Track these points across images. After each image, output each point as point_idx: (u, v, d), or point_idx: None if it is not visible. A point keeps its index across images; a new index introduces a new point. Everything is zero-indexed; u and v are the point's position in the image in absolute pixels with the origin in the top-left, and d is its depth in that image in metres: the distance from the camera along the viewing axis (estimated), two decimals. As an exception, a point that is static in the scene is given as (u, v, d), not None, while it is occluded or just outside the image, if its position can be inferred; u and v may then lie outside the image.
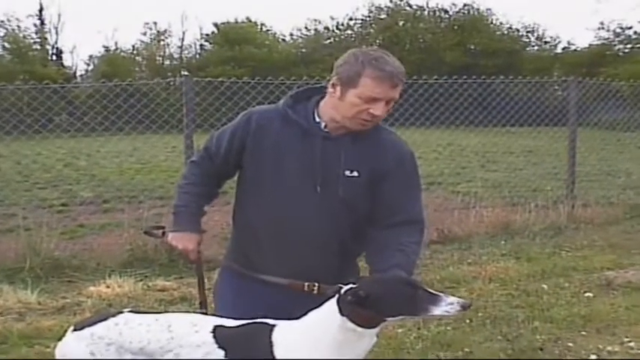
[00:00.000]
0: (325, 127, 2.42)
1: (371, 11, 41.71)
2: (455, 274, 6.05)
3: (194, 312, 2.65)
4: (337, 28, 42.21)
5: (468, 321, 4.70)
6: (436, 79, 9.51)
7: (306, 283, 2.38)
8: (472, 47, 39.05)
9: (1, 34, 35.05)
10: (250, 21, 40.85)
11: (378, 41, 39.12)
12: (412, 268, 2.33)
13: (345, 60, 2.34)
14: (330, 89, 2.39)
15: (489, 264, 6.37)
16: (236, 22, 40.13)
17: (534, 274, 6.04)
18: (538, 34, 41.46)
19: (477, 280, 5.82)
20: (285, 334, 2.14)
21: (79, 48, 74.71)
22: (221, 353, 2.13)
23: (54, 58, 37.93)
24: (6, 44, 34.75)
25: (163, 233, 2.68)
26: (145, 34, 42.41)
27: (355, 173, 2.39)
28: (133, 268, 6.18)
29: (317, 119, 2.43)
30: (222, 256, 2.82)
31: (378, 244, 2.39)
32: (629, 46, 36.36)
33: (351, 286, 2.10)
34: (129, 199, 9.81)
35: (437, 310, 2.02)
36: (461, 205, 8.84)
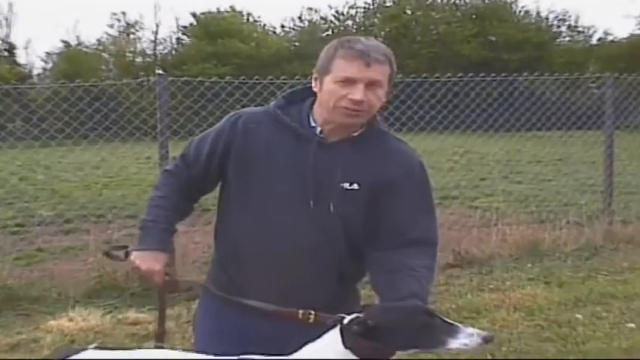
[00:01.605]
0: (321, 132, 2.46)
1: (375, -2, 41.94)
2: (474, 302, 6.07)
3: (171, 348, 2.67)
4: (336, 19, 42.41)
5: (489, 356, 4.71)
6: (449, 77, 9.55)
7: (301, 311, 2.37)
8: (493, 39, 39.20)
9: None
10: (234, 10, 41.03)
11: (383, 33, 39.30)
12: (427, 297, 2.34)
13: (323, 51, 2.44)
14: (313, 84, 2.47)
15: (514, 290, 6.40)
16: (218, 12, 40.30)
17: (567, 302, 6.06)
18: (570, 24, 41.71)
19: (499, 309, 5.84)
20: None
21: (35, 43, 74.71)
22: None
23: (5, 54, 37.97)
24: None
25: (127, 254, 2.69)
26: (111, 26, 42.42)
27: (355, 186, 2.42)
28: (100, 299, 6.19)
29: (312, 123, 2.48)
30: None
31: (384, 268, 2.40)
32: (674, 36, 36.49)
33: (356, 315, 2.12)
34: (95, 219, 9.82)
35: (454, 343, 2.03)
36: (480, 222, 8.86)
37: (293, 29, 43.26)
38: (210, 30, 37.93)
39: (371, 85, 2.35)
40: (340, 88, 2.34)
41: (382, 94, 2.41)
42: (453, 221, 9.16)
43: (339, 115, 2.38)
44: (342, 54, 2.35)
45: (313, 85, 2.46)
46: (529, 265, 7.45)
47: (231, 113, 2.60)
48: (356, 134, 2.47)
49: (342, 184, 2.41)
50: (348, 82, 2.34)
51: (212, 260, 2.77)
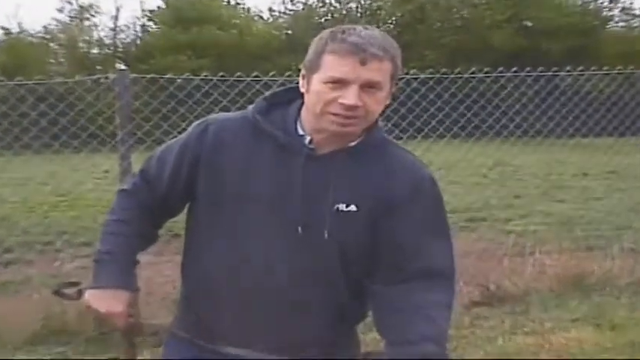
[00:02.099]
0: (310, 142, 2.46)
1: (384, -24, 42.12)
2: (506, 348, 6.08)
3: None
4: (337, 1, 42.55)
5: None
6: (472, 74, 9.54)
7: None
8: (529, 24, 39.33)
9: None
10: (213, -9, 41.14)
11: (393, 18, 39.43)
12: (444, 340, 2.37)
13: (313, 42, 2.43)
14: (301, 82, 2.47)
15: (555, 333, 6.41)
16: (193, -7, 40.42)
17: (621, 348, 6.07)
18: (624, 6, 41.84)
19: (538, 357, 5.85)
20: None
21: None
22: None
23: None
24: None
25: (80, 292, 2.69)
26: (61, 10, 42.76)
27: (352, 207, 2.43)
28: (47, 345, 6.19)
29: (300, 131, 2.48)
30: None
31: (389, 306, 2.42)
32: None
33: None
34: (41, 247, 9.80)
35: None
36: (514, 250, 8.86)
37: (284, 14, 43.50)
38: (182, 15, 38.05)
39: (368, 86, 2.34)
40: (330, 90, 2.33)
41: (383, 97, 2.40)
42: (480, 249, 9.16)
43: (327, 122, 2.38)
44: (332, 48, 2.34)
45: (301, 83, 2.46)
46: (574, 302, 7.44)
47: (199, 120, 2.61)
48: (353, 144, 2.48)
49: (336, 205, 2.42)
50: (340, 83, 2.32)
51: (180, 298, 2.78)
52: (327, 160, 2.45)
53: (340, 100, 2.32)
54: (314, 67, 2.38)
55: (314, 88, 2.38)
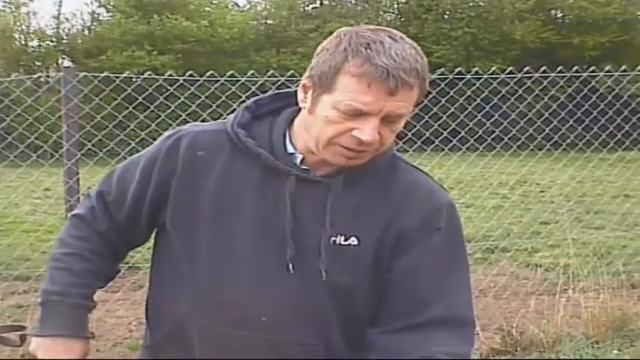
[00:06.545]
0: (302, 161, 2.43)
1: (386, -43, 42.31)
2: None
3: None
4: (328, -15, 42.68)
5: None
6: (493, 74, 9.52)
7: None
8: (559, 15, 39.47)
9: None
10: (179, -27, 41.23)
11: (396, 5, 39.55)
12: None
13: (324, 46, 2.33)
14: (300, 95, 2.39)
15: (592, 389, 6.41)
16: (154, -24, 40.49)
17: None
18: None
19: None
20: None
21: None
22: None
23: None
24: None
25: (23, 338, 2.68)
26: (-5, -5, 42.62)
27: (352, 240, 2.39)
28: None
29: (289, 148, 2.44)
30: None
31: (397, 358, 2.37)
32: None
33: None
34: (-33, 282, 9.79)
35: None
36: (542, 287, 8.88)
37: (264, 1, 43.53)
38: (141, 1, 38.06)
39: (390, 119, 2.28)
40: (343, 120, 2.25)
41: (402, 125, 2.34)
42: (501, 286, 9.16)
43: (332, 154, 2.32)
44: (355, 69, 2.21)
45: (301, 96, 2.39)
46: (615, 351, 7.45)
47: (170, 131, 2.58)
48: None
49: (333, 238, 2.38)
50: (357, 114, 2.24)
51: (144, 345, 2.76)
52: (322, 184, 2.41)
53: (355, 134, 2.26)
54: (326, 86, 2.28)
55: (322, 113, 2.29)
